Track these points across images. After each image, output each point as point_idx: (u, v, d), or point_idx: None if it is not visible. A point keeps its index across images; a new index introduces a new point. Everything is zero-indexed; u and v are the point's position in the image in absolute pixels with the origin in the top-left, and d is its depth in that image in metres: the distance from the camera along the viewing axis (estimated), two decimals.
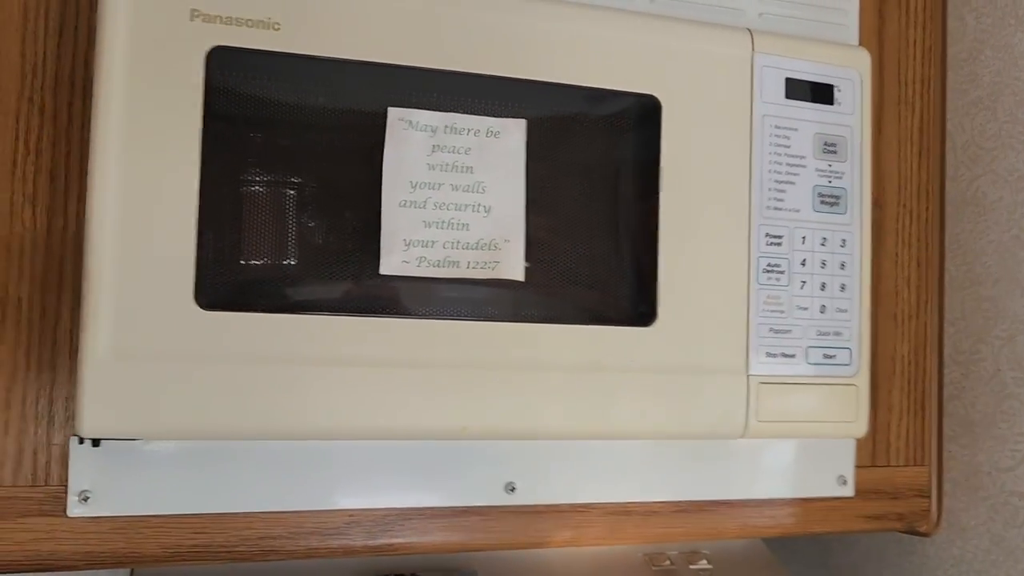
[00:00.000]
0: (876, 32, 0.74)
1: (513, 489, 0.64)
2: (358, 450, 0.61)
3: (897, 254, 0.74)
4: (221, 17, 0.54)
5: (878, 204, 0.74)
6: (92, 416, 0.51)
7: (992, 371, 0.72)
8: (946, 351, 0.76)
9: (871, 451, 0.74)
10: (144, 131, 0.52)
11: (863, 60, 0.69)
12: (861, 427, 0.67)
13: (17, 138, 0.54)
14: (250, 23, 0.54)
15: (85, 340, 0.51)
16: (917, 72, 0.75)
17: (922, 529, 0.75)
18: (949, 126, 0.77)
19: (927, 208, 0.75)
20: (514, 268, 0.59)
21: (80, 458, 0.55)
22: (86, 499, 0.55)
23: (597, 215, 0.63)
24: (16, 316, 0.54)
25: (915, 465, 0.75)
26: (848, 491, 0.72)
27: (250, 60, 0.55)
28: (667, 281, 0.63)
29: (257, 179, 0.57)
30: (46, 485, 0.55)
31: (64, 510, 0.55)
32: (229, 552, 0.58)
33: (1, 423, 0.54)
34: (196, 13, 0.53)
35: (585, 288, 0.63)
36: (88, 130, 0.55)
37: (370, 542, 0.61)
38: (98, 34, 0.52)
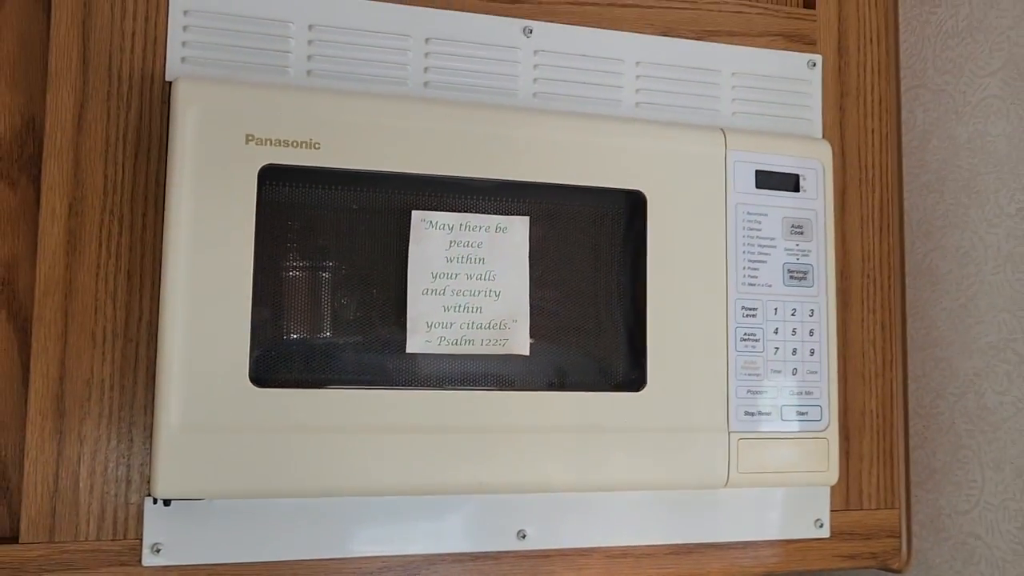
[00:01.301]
0: (838, 124, 0.84)
1: (524, 536, 0.73)
2: (389, 504, 0.69)
3: (863, 319, 0.83)
4: (271, 140, 0.64)
5: (845, 275, 0.83)
6: (164, 480, 0.60)
7: (948, 424, 0.81)
8: (910, 405, 0.85)
9: (845, 496, 0.82)
10: (207, 237, 0.62)
11: (825, 152, 0.78)
12: (832, 476, 0.76)
13: (100, 244, 0.64)
14: (295, 144, 0.65)
15: (158, 415, 0.60)
16: (876, 158, 0.85)
17: (894, 566, 0.83)
18: (906, 205, 0.86)
19: (888, 278, 0.84)
20: (521, 344, 0.69)
21: (153, 515, 0.64)
22: (158, 551, 0.64)
23: (593, 295, 0.73)
24: (100, 394, 0.64)
25: (886, 508, 0.83)
26: (825, 532, 0.80)
27: (295, 173, 0.65)
28: (655, 351, 0.71)
29: (301, 274, 0.66)
30: (124, 539, 0.64)
31: (139, 560, 0.64)
32: None
33: (87, 486, 0.63)
34: (250, 137, 0.64)
35: (583, 359, 0.73)
36: (160, 236, 0.65)
37: None
38: (169, 156, 0.62)
